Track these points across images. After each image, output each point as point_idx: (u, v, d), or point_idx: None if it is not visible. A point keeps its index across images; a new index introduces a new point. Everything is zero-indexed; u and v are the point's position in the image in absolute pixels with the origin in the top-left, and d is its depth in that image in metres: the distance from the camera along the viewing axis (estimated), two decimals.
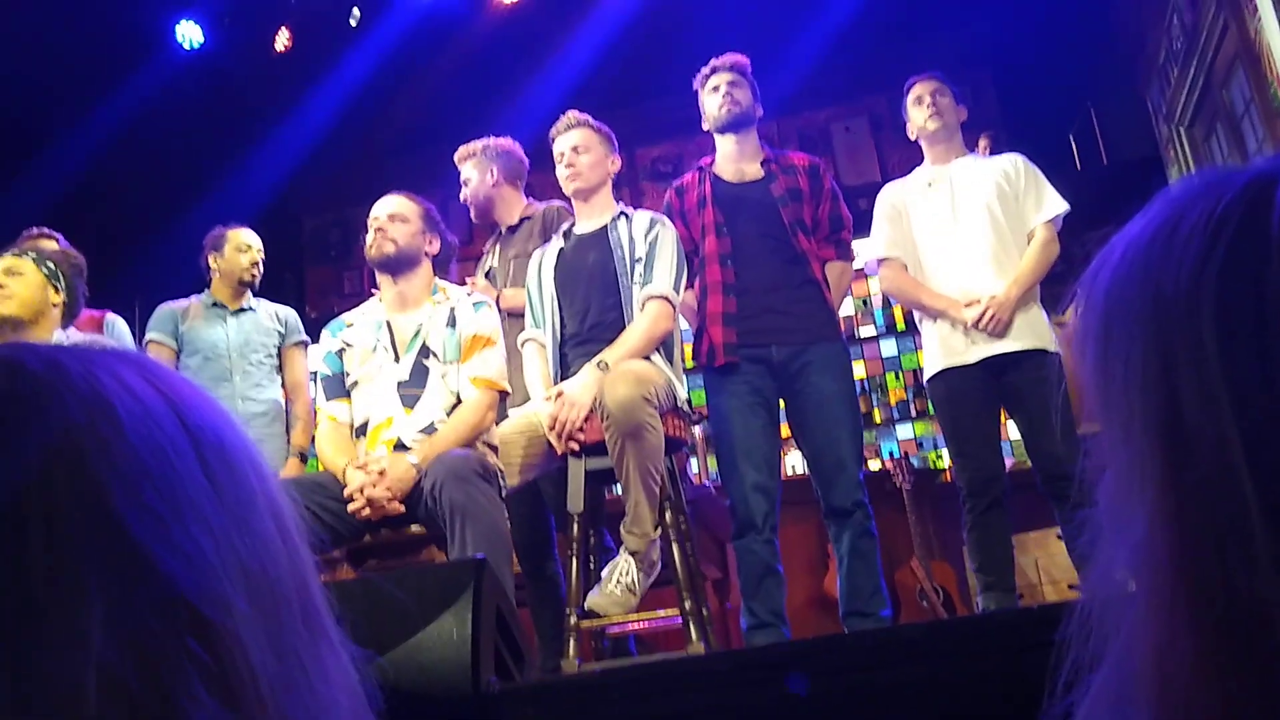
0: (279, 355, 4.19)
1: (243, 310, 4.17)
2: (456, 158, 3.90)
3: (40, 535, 0.47)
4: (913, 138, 3.73)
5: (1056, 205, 3.49)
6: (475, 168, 3.85)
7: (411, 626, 1.60)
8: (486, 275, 3.84)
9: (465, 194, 3.85)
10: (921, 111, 3.64)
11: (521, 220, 3.82)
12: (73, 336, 3.28)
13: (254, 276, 4.19)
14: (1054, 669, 0.56)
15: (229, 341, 4.07)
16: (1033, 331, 3.37)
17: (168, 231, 5.97)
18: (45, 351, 0.53)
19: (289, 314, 4.31)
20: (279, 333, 4.20)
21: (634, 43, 6.24)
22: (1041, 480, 3.28)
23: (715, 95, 3.60)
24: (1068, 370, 3.40)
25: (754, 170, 3.58)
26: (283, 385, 4.18)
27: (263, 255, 4.28)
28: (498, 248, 3.87)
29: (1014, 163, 3.59)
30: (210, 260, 4.23)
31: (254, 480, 0.56)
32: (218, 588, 0.50)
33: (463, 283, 3.66)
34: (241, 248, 4.22)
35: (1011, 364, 3.35)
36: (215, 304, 4.16)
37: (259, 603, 0.52)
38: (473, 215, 3.90)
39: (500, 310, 3.60)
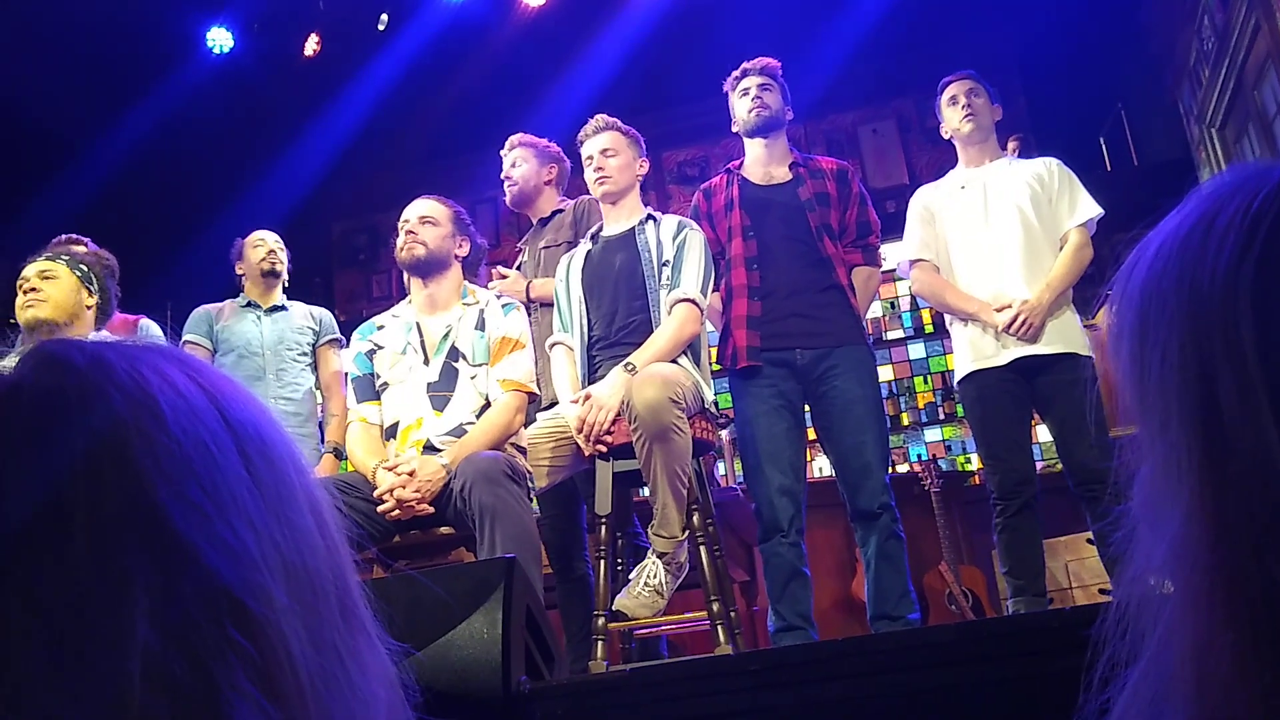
0: (313, 354, 4.24)
1: (276, 309, 4.25)
2: (514, 141, 3.90)
3: (85, 527, 0.48)
4: (946, 137, 3.71)
5: (1090, 209, 3.47)
6: (533, 159, 3.87)
7: (443, 625, 1.61)
8: (517, 268, 3.87)
9: (514, 178, 3.85)
10: (956, 112, 3.61)
11: (553, 213, 3.84)
12: (106, 339, 3.31)
13: (273, 265, 4.26)
14: (1089, 665, 0.56)
15: (263, 339, 4.13)
16: (1064, 335, 3.35)
17: (198, 236, 6.02)
18: (90, 348, 0.54)
19: (323, 314, 4.37)
20: (313, 331, 4.26)
21: (660, 46, 6.24)
22: (1074, 484, 3.26)
23: (745, 99, 3.59)
24: (1100, 373, 3.38)
25: (782, 173, 3.58)
26: (317, 384, 4.22)
27: (281, 248, 4.34)
28: (529, 239, 3.89)
29: (1048, 166, 3.56)
30: (237, 269, 4.35)
31: (293, 475, 0.57)
32: (259, 580, 0.50)
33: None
34: (255, 244, 4.33)
35: (1043, 367, 3.33)
36: (249, 304, 4.24)
37: (299, 595, 0.52)
38: (510, 201, 3.90)
39: (530, 298, 3.62)
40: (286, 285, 4.40)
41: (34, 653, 0.45)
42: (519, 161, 3.86)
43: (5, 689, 0.45)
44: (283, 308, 4.27)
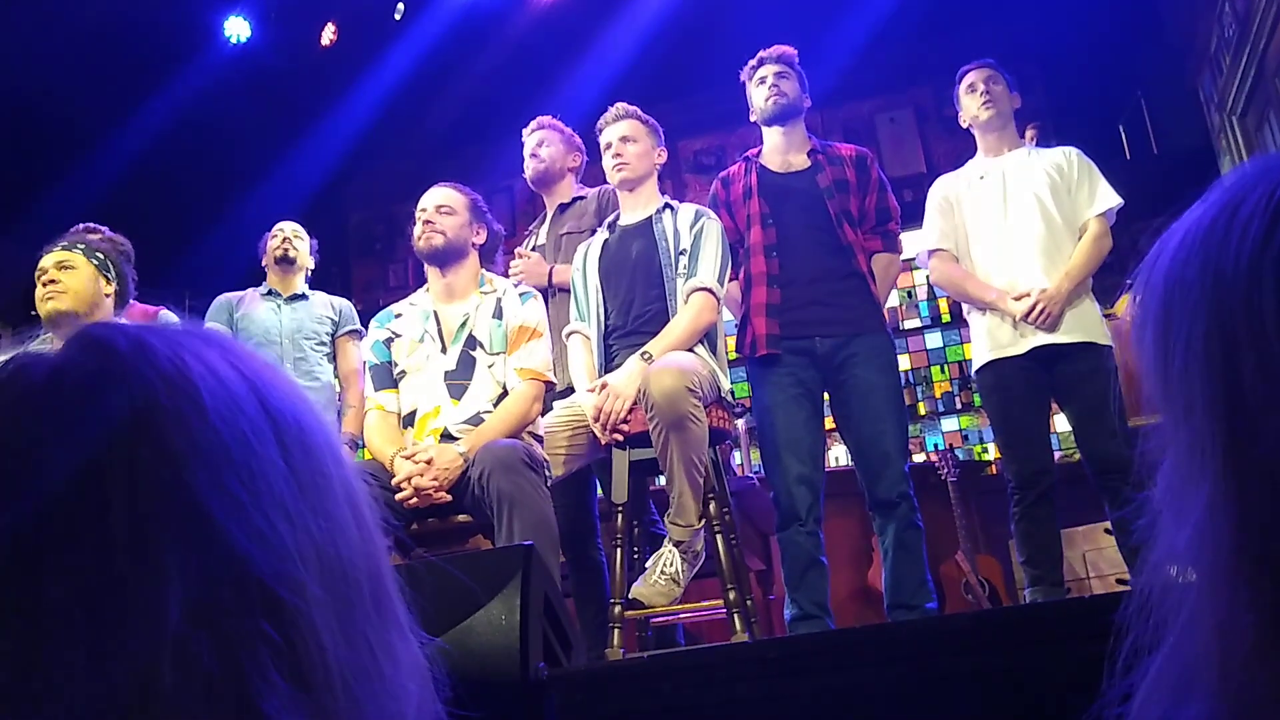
0: (332, 344, 4.27)
1: (297, 298, 4.28)
2: (542, 121, 3.91)
3: (123, 511, 0.48)
4: (965, 126, 3.70)
5: (1109, 199, 3.45)
6: (559, 142, 3.88)
7: (461, 612, 1.62)
8: (531, 249, 3.87)
9: (541, 155, 3.84)
10: (975, 100, 3.60)
11: (574, 200, 3.84)
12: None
13: (285, 252, 4.30)
14: (1112, 651, 0.56)
15: (281, 328, 4.16)
16: (1083, 324, 3.33)
17: (216, 226, 6.06)
18: (134, 332, 0.55)
19: (344, 304, 4.40)
20: (333, 321, 4.29)
21: (676, 35, 6.23)
22: (1092, 473, 3.25)
23: (762, 87, 3.58)
24: (1120, 363, 3.37)
25: (801, 161, 3.57)
26: (335, 374, 4.24)
27: (300, 237, 4.38)
28: (546, 224, 3.89)
29: (1067, 155, 3.55)
30: (263, 259, 4.41)
31: (330, 465, 0.57)
32: (292, 571, 0.50)
33: (508, 272, 3.69)
34: (274, 233, 4.39)
35: (1062, 356, 3.32)
36: (270, 292, 4.29)
37: (331, 587, 0.53)
38: (532, 177, 3.88)
39: (551, 284, 3.62)
40: (309, 275, 4.43)
41: (70, 632, 0.46)
42: (547, 142, 3.86)
43: (41, 667, 0.45)
44: (303, 296, 4.31)
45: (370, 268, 8.02)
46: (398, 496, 2.85)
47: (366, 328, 3.55)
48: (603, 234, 3.43)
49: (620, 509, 2.99)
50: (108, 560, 0.47)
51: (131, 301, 3.52)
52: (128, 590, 0.47)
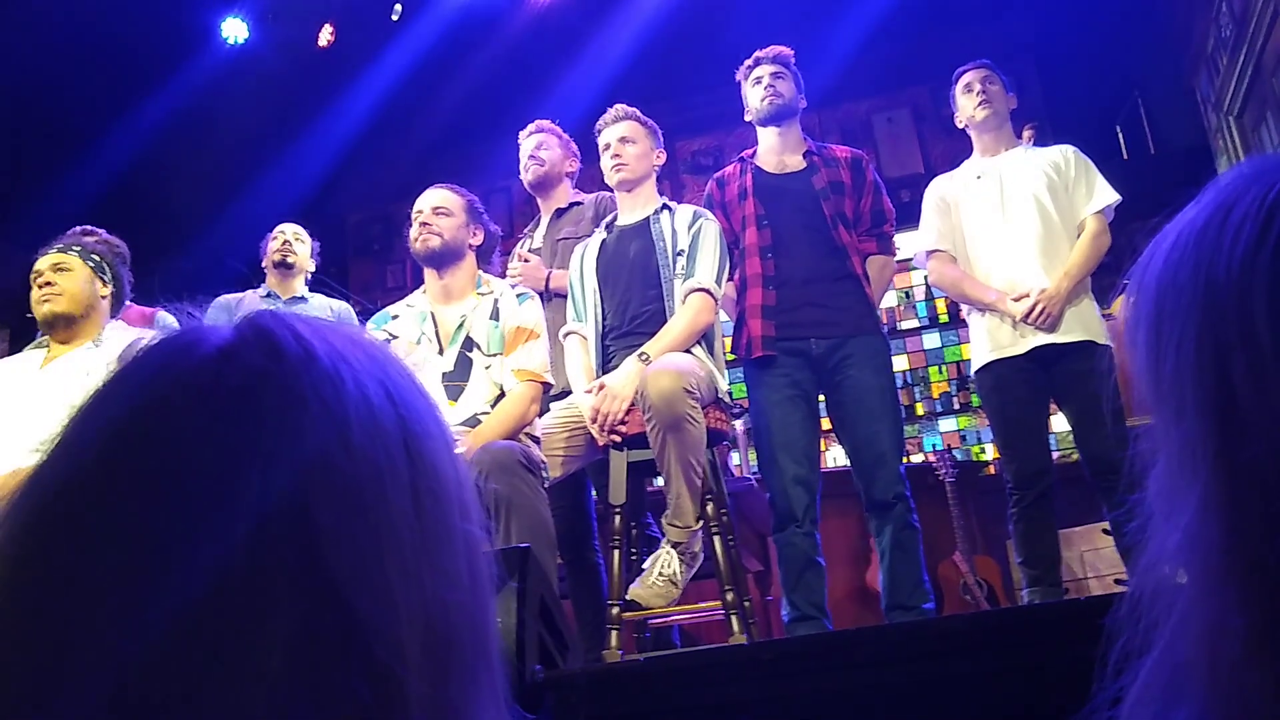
0: None
1: (296, 300, 4.29)
2: (542, 125, 3.91)
3: (245, 533, 0.46)
4: (961, 126, 3.70)
5: (1107, 196, 3.45)
6: (558, 146, 3.89)
7: None
8: (529, 250, 3.87)
9: (541, 158, 3.84)
10: (971, 100, 3.60)
11: (571, 205, 3.84)
12: (119, 330, 3.31)
13: (284, 256, 4.32)
14: (1103, 654, 0.56)
15: None
16: (1082, 323, 3.34)
17: (213, 227, 6.05)
18: (305, 335, 0.52)
19: (343, 306, 4.40)
20: None
21: (674, 35, 6.23)
22: (1091, 473, 3.25)
23: (758, 87, 3.58)
24: (1118, 362, 3.36)
25: (796, 162, 3.57)
26: None
27: (300, 240, 4.38)
28: (543, 228, 3.89)
29: (1064, 154, 3.55)
30: (264, 261, 4.42)
31: (456, 516, 0.54)
32: (395, 629, 0.48)
33: (505, 273, 3.69)
34: (274, 235, 4.40)
35: (1061, 356, 3.32)
36: (268, 294, 4.31)
37: (432, 652, 0.50)
38: (531, 180, 3.85)
39: (549, 288, 3.62)
40: (309, 278, 4.43)
41: (169, 655, 0.44)
42: (546, 145, 3.86)
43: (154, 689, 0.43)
44: (302, 299, 4.30)
45: (368, 268, 8.02)
46: None
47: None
48: (600, 234, 3.43)
49: (618, 510, 2.98)
50: (224, 584, 0.45)
51: (128, 303, 3.51)
52: (238, 619, 0.45)
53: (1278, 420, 0.48)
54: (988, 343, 3.44)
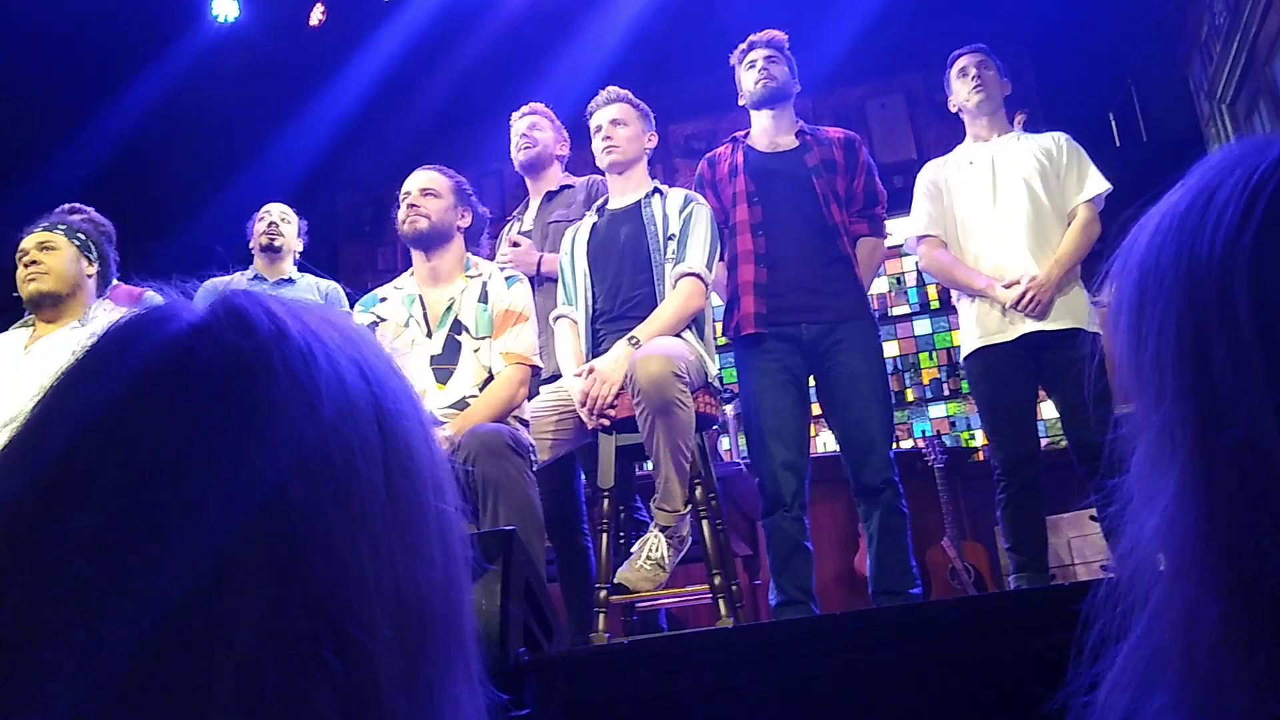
0: None
1: (283, 282, 4.25)
2: (535, 107, 3.90)
3: (214, 509, 0.46)
4: (954, 110, 3.69)
5: (1098, 184, 3.45)
6: (550, 129, 3.88)
7: None
8: (519, 233, 3.85)
9: (535, 139, 3.82)
10: (965, 84, 3.60)
11: (561, 188, 3.83)
12: (106, 309, 3.29)
13: (270, 240, 4.27)
14: (1079, 639, 0.56)
15: None
16: (1072, 311, 3.34)
17: (202, 208, 6.01)
18: (276, 313, 0.52)
19: (331, 286, 4.36)
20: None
21: (667, 19, 6.20)
22: (1079, 459, 3.26)
23: (751, 71, 3.58)
24: (1106, 350, 3.37)
25: (788, 142, 3.57)
26: None
27: (287, 221, 4.34)
28: (533, 211, 3.87)
29: (1056, 141, 3.55)
30: (250, 242, 4.38)
31: (430, 496, 0.54)
32: (367, 604, 0.47)
33: (494, 255, 3.67)
34: (260, 216, 4.36)
35: (1050, 343, 3.32)
36: (255, 277, 4.26)
37: (403, 628, 0.49)
38: (524, 161, 3.83)
39: (540, 273, 3.61)
40: (298, 257, 4.39)
41: (143, 642, 0.43)
42: (540, 126, 3.85)
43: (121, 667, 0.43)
44: (290, 281, 4.27)
45: (358, 250, 7.98)
46: None
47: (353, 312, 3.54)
48: (591, 218, 3.42)
49: (606, 494, 2.98)
50: (193, 557, 0.45)
51: (115, 282, 3.49)
52: (204, 599, 0.44)
53: (1256, 405, 0.48)
54: (977, 329, 3.44)
